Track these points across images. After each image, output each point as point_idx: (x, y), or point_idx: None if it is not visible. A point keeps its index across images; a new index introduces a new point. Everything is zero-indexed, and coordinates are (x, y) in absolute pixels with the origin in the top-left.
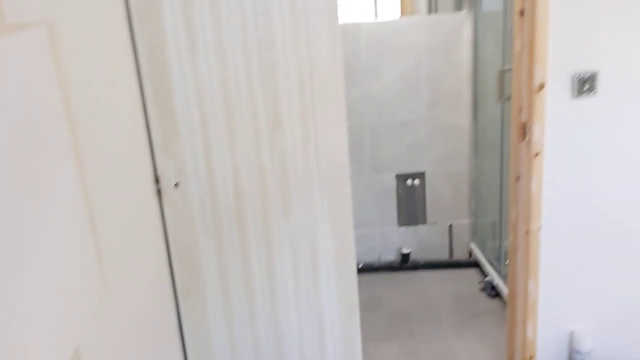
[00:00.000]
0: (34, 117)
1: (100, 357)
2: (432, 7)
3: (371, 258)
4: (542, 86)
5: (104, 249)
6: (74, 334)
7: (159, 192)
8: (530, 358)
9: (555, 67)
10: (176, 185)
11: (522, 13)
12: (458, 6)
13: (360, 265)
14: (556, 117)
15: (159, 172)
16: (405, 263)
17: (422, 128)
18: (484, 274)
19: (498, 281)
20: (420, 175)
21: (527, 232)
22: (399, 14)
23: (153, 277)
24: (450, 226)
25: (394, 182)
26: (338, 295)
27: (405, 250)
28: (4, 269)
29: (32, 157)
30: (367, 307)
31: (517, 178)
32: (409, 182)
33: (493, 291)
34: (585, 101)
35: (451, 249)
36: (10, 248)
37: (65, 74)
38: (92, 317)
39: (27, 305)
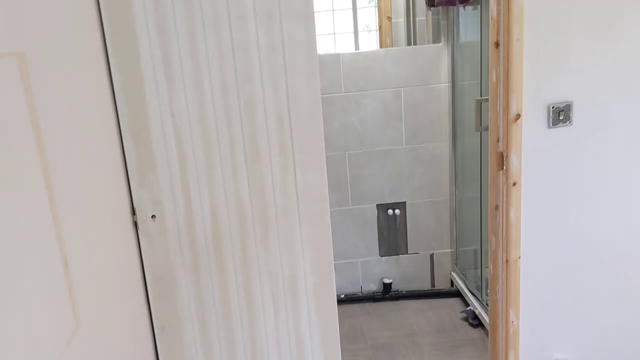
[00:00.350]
0: (3, 147)
1: None
2: (410, 39)
3: (353, 289)
4: (518, 116)
5: (76, 285)
6: None
7: (135, 225)
8: None
9: (531, 98)
10: (153, 217)
11: (497, 45)
12: (436, 38)
13: (342, 296)
14: (533, 147)
15: (135, 204)
16: (387, 293)
17: (402, 158)
18: (466, 303)
19: (480, 310)
20: (401, 205)
21: (507, 262)
22: (378, 45)
23: (129, 311)
24: (432, 255)
25: (375, 212)
26: (319, 328)
27: (387, 280)
28: None
29: None
30: (349, 338)
31: (496, 207)
32: (390, 212)
33: (475, 320)
34: (561, 131)
35: (433, 278)
36: None
37: (37, 104)
38: (63, 352)
39: None
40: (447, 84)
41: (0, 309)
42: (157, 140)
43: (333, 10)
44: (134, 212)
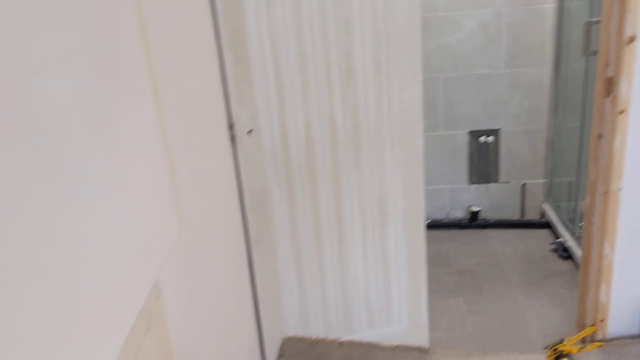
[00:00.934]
0: (118, 61)
1: (177, 293)
2: None
3: (439, 215)
4: (632, 39)
5: (181, 191)
6: (153, 270)
7: (232, 139)
8: (602, 321)
9: None
10: (249, 132)
11: None
12: None
13: (428, 222)
14: None
15: (234, 118)
16: (474, 221)
17: (499, 83)
18: (556, 235)
19: (571, 243)
20: (495, 132)
21: (606, 193)
22: None
23: (226, 222)
24: (524, 185)
25: (467, 139)
26: (406, 249)
27: (474, 208)
28: (91, 206)
29: (115, 100)
30: (434, 263)
31: (599, 136)
32: (483, 139)
33: (565, 253)
34: None
35: (523, 208)
36: (97, 185)
37: (144, 18)
38: (169, 254)
39: (110, 239)
40: (552, 5)
41: (114, 211)
42: (254, 56)
43: None
44: (231, 127)
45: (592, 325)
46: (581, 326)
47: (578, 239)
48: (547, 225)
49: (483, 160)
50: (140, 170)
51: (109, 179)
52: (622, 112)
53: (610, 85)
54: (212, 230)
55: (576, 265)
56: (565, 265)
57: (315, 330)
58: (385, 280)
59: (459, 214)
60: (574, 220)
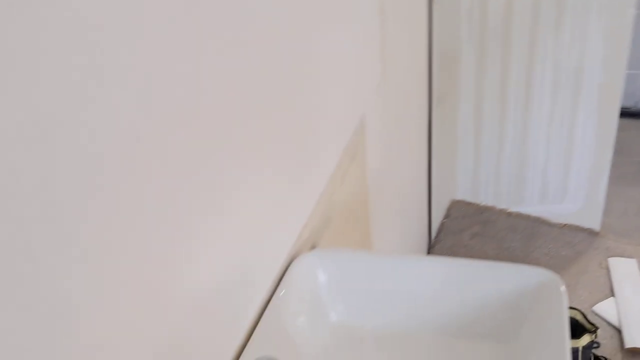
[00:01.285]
0: None
1: (376, 127)
2: None
3: (627, 102)
4: None
5: (386, 38)
6: (361, 105)
7: None
8: None
9: None
10: None
11: None
12: None
13: None
14: None
15: None
16: None
17: None
18: None
19: None
20: None
21: None
22: None
23: (415, 76)
24: None
25: None
26: (595, 126)
27: None
28: (313, 49)
29: None
30: (615, 150)
31: None
32: None
33: None
34: None
35: None
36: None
37: None
38: (373, 92)
39: (331, 73)
40: None
41: (338, 48)
42: None
43: None
44: None
45: None
46: None
47: None
48: None
49: None
50: (358, 9)
51: (338, 20)
52: None
53: None
54: (404, 80)
55: None
56: None
57: (485, 197)
58: (567, 156)
59: None
60: None
